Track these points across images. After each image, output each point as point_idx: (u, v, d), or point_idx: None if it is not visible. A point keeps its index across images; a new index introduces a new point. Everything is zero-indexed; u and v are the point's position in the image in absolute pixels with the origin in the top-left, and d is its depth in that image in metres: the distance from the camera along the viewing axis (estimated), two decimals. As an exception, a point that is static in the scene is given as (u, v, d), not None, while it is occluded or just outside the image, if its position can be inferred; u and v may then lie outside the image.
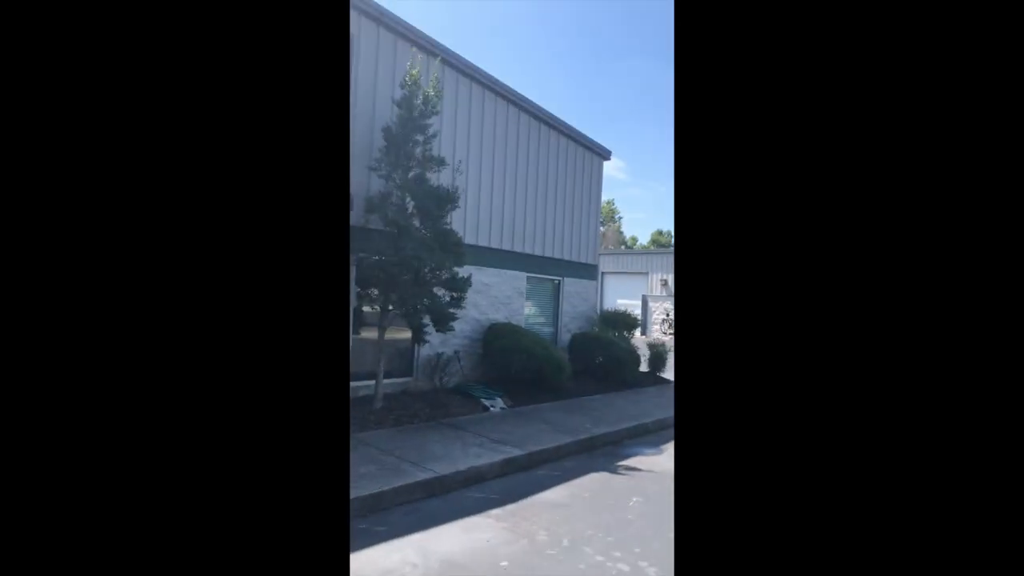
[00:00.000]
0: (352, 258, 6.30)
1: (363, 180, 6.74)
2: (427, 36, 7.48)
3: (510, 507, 4.15)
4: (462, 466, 4.67)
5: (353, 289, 6.74)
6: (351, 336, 6.85)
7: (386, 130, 6.43)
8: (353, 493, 3.88)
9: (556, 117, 10.14)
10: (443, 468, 4.58)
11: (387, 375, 6.81)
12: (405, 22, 7.19)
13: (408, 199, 6.44)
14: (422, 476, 4.37)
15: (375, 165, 6.45)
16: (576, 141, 10.86)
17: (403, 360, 7.60)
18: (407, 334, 6.68)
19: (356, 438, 5.28)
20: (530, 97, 9.39)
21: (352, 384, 6.87)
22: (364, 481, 4.13)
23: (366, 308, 6.99)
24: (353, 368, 6.91)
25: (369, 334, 6.80)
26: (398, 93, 6.62)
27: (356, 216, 6.49)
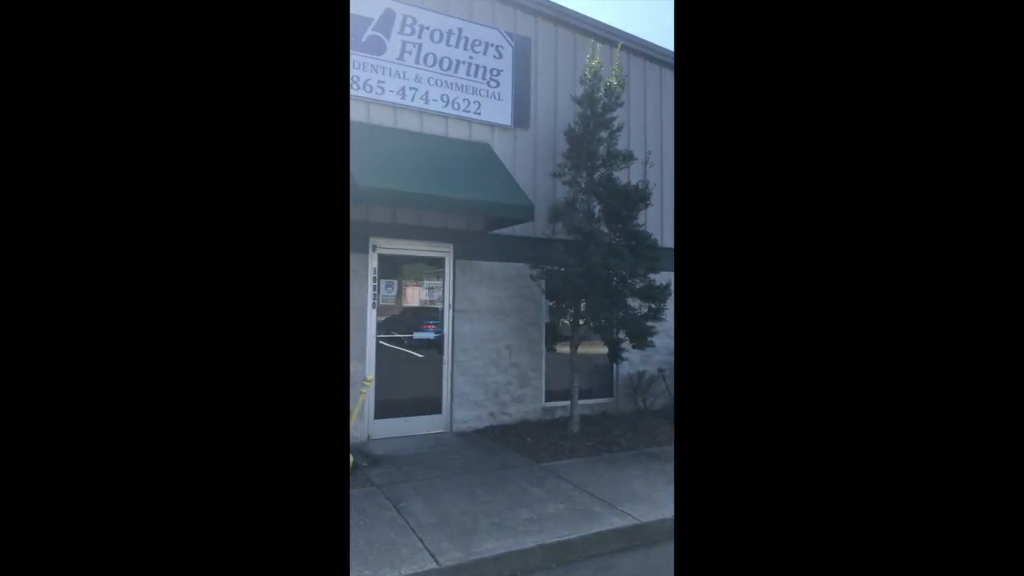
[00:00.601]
0: (539, 271, 5.97)
1: (547, 188, 6.40)
2: (604, 24, 6.89)
3: None
4: (668, 511, 3.85)
5: (544, 304, 6.43)
6: (543, 351, 6.52)
7: (568, 132, 6.00)
8: (537, 539, 3.41)
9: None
10: (644, 513, 3.83)
11: (585, 395, 6.29)
12: (583, 15, 6.73)
13: (594, 202, 5.89)
14: (619, 522, 3.69)
15: (558, 171, 6.06)
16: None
17: (602, 379, 6.99)
18: (605, 349, 6.07)
19: (546, 468, 4.84)
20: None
21: (548, 404, 6.53)
22: (551, 523, 3.63)
23: (560, 322, 6.61)
24: (548, 387, 6.58)
25: (564, 350, 6.37)
26: (579, 90, 6.15)
27: (541, 227, 6.16)
